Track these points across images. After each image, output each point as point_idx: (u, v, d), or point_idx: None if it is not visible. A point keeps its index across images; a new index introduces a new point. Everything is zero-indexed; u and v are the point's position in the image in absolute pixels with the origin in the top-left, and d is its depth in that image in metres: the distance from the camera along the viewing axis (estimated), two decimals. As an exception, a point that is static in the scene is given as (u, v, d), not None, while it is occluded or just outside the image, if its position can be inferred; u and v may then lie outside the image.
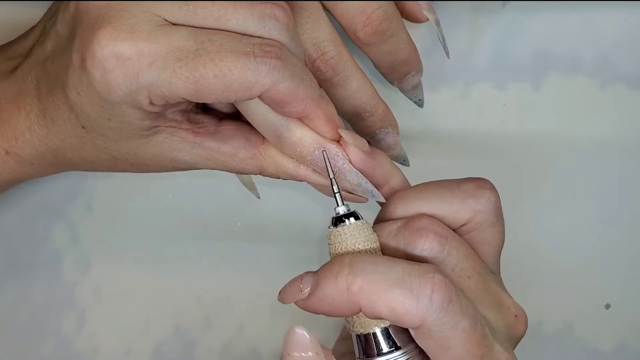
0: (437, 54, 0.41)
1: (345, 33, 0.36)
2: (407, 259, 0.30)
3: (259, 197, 0.41)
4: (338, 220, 0.31)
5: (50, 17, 0.35)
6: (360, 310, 0.29)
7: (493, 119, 0.43)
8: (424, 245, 0.31)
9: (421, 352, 0.30)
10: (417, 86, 0.40)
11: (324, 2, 0.35)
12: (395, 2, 0.36)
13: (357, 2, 0.35)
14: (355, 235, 0.30)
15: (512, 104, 0.43)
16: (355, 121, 0.37)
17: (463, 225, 0.33)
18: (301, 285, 0.29)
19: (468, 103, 0.43)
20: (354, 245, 0.30)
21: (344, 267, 0.29)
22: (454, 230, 0.32)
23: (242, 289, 0.43)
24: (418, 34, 0.40)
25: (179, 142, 0.33)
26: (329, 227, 0.31)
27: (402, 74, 0.39)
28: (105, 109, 0.31)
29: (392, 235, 0.31)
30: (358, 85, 0.36)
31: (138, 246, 0.43)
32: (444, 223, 0.32)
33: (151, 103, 0.30)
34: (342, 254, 0.30)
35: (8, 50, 0.36)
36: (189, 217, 0.43)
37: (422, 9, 0.37)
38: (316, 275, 0.30)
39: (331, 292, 0.29)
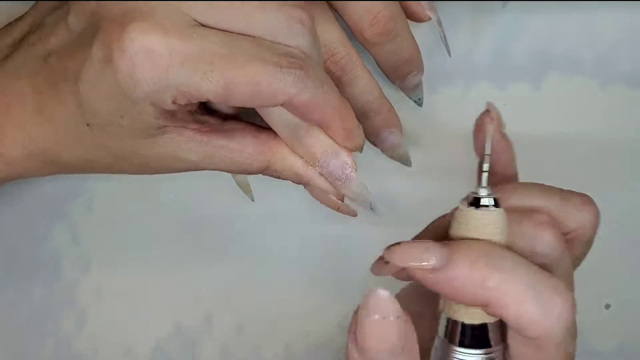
0: (437, 53, 0.42)
1: (351, 33, 0.36)
2: (529, 252, 0.29)
3: (253, 200, 0.41)
4: (477, 202, 0.28)
5: (49, 12, 0.34)
6: (485, 305, 0.27)
7: (493, 119, 0.43)
8: (548, 240, 0.29)
9: (504, 351, 0.29)
10: (418, 86, 0.40)
11: (331, 2, 0.36)
12: (399, 2, 0.37)
13: (364, 3, 0.35)
14: (496, 225, 0.28)
15: (512, 104, 0.43)
16: (361, 120, 0.37)
17: (566, 233, 0.31)
18: (424, 255, 0.27)
19: (468, 103, 0.43)
20: (492, 235, 0.28)
21: (482, 256, 0.27)
22: None
23: (243, 288, 0.43)
24: (419, 33, 0.40)
25: (186, 141, 0.33)
26: (461, 204, 0.29)
27: (404, 73, 0.39)
28: (121, 106, 0.30)
29: (517, 222, 0.29)
30: (365, 84, 0.37)
31: (138, 246, 0.43)
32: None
33: (174, 102, 0.30)
34: (477, 240, 0.28)
35: None
36: (190, 217, 0.43)
37: (425, 8, 0.38)
38: (448, 252, 0.27)
39: (463, 278, 0.27)
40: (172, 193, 0.44)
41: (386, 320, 0.27)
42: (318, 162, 0.33)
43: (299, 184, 0.35)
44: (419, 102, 0.41)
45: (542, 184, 0.32)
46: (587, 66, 0.43)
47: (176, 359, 0.43)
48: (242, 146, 0.33)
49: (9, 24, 0.36)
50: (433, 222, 0.32)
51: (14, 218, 0.43)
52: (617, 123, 0.43)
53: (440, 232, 0.30)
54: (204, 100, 0.30)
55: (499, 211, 0.28)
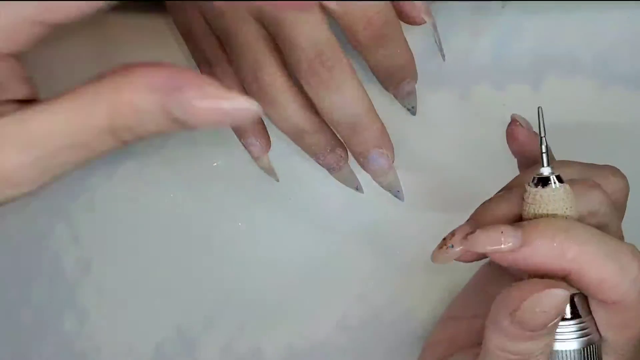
0: (437, 54, 0.42)
1: (344, 36, 0.36)
2: (585, 212, 0.31)
3: (278, 180, 0.42)
4: (543, 181, 0.30)
5: None
6: (566, 276, 0.29)
7: (493, 119, 0.43)
8: (600, 197, 0.31)
9: (594, 324, 0.31)
10: (411, 93, 0.40)
11: (324, 3, 0.36)
12: (393, 5, 0.36)
13: (358, 4, 0.35)
14: (565, 200, 0.30)
15: (511, 105, 0.43)
16: (347, 135, 0.37)
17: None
18: (502, 238, 0.29)
19: (468, 104, 0.43)
20: (564, 210, 0.30)
21: (560, 231, 0.29)
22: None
23: (243, 288, 0.43)
24: (418, 33, 0.40)
25: None
26: (528, 186, 0.31)
27: (398, 79, 0.39)
28: None
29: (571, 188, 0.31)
30: (353, 94, 0.35)
31: (139, 245, 0.43)
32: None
33: None
34: (551, 217, 0.30)
35: None
36: (190, 217, 0.44)
37: (420, 12, 0.37)
38: (525, 232, 0.29)
39: (545, 252, 0.29)
40: (173, 193, 0.44)
41: (556, 323, 0.29)
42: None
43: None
44: (412, 111, 0.41)
45: (574, 161, 0.34)
46: (586, 67, 0.43)
47: (177, 358, 0.43)
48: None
49: None
50: (478, 209, 0.33)
51: (15, 218, 0.43)
52: (616, 124, 0.43)
53: (487, 216, 0.32)
54: None
55: (565, 187, 0.30)
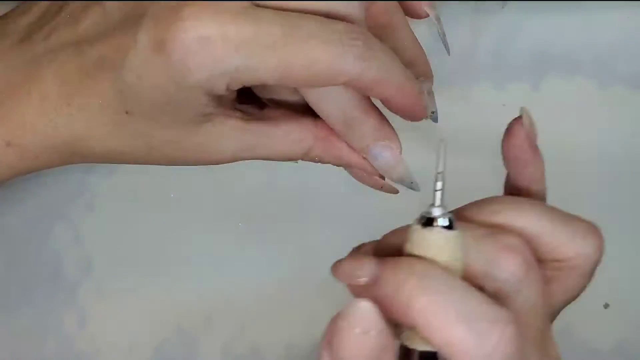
0: (436, 53, 0.41)
1: None
2: (482, 275, 0.27)
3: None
4: (427, 222, 0.27)
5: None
6: (414, 328, 0.26)
7: (492, 119, 0.43)
8: (508, 267, 0.26)
9: None
10: (428, 95, 0.34)
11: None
12: None
13: None
14: (440, 247, 0.26)
15: (511, 104, 0.43)
16: (343, 131, 0.33)
17: (557, 261, 0.29)
18: (359, 272, 0.26)
19: (467, 103, 0.43)
20: (437, 256, 0.26)
21: (413, 276, 0.25)
22: (542, 261, 0.29)
23: (243, 288, 0.43)
24: (417, 32, 0.40)
25: (229, 129, 0.32)
26: (413, 223, 0.27)
27: None
28: (169, 93, 0.29)
29: (475, 240, 0.27)
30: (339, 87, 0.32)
31: (139, 246, 0.43)
32: (541, 249, 0.28)
33: (227, 88, 0.29)
34: (414, 258, 0.26)
35: None
36: (190, 217, 0.43)
37: (423, 5, 0.35)
38: (377, 268, 0.26)
39: (390, 297, 0.25)
40: (174, 192, 0.44)
41: (367, 335, 0.25)
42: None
43: (340, 166, 0.34)
44: (433, 117, 0.35)
45: (545, 204, 0.30)
46: (586, 67, 0.43)
47: (177, 358, 0.43)
48: (286, 133, 0.32)
49: (26, 3, 0.33)
50: (390, 231, 0.30)
51: (15, 218, 0.43)
52: (616, 123, 0.43)
53: (396, 242, 0.28)
54: (258, 84, 0.29)
55: (449, 234, 0.26)
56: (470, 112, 0.44)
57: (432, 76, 0.36)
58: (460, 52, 0.43)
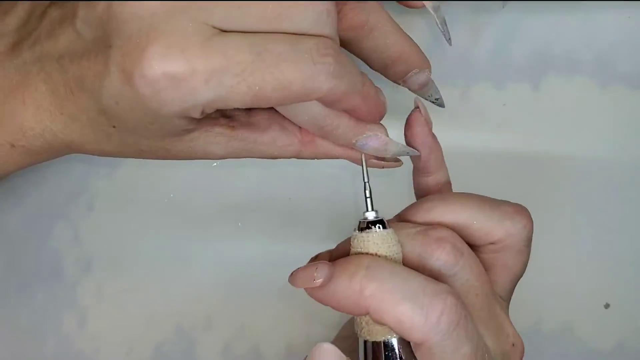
0: (436, 53, 0.41)
1: None
2: (419, 266, 0.30)
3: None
4: (365, 226, 0.31)
5: (52, 2, 0.32)
6: (368, 313, 0.29)
7: (492, 118, 0.43)
8: (440, 256, 0.30)
9: None
10: (427, 84, 0.36)
11: None
12: None
13: None
14: (378, 244, 0.30)
15: (511, 104, 0.43)
16: (323, 136, 0.34)
17: (491, 243, 0.32)
18: (315, 274, 0.29)
19: (468, 103, 0.43)
20: (376, 251, 0.30)
21: (361, 268, 0.29)
22: (479, 246, 0.32)
23: (243, 288, 0.43)
24: (416, 31, 0.40)
25: (214, 137, 0.32)
26: (354, 231, 0.31)
27: (400, 73, 0.35)
28: (147, 118, 0.29)
29: (409, 238, 0.31)
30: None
31: (139, 246, 0.43)
32: (474, 236, 0.32)
33: (203, 112, 0.29)
34: (359, 255, 0.30)
35: None
36: (190, 217, 0.43)
37: None
38: (331, 268, 0.29)
39: (343, 290, 0.29)
40: (173, 193, 0.44)
41: None
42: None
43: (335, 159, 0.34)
44: (438, 102, 0.37)
45: (475, 194, 0.32)
46: (586, 66, 0.43)
47: (177, 358, 0.43)
48: (273, 139, 0.33)
49: (11, 2, 0.33)
50: (343, 240, 0.32)
51: (15, 218, 0.43)
52: (616, 123, 0.43)
53: (347, 249, 0.31)
54: (233, 108, 0.29)
55: (383, 232, 0.30)
56: (470, 112, 0.44)
57: (428, 65, 0.35)
58: (460, 52, 0.43)
